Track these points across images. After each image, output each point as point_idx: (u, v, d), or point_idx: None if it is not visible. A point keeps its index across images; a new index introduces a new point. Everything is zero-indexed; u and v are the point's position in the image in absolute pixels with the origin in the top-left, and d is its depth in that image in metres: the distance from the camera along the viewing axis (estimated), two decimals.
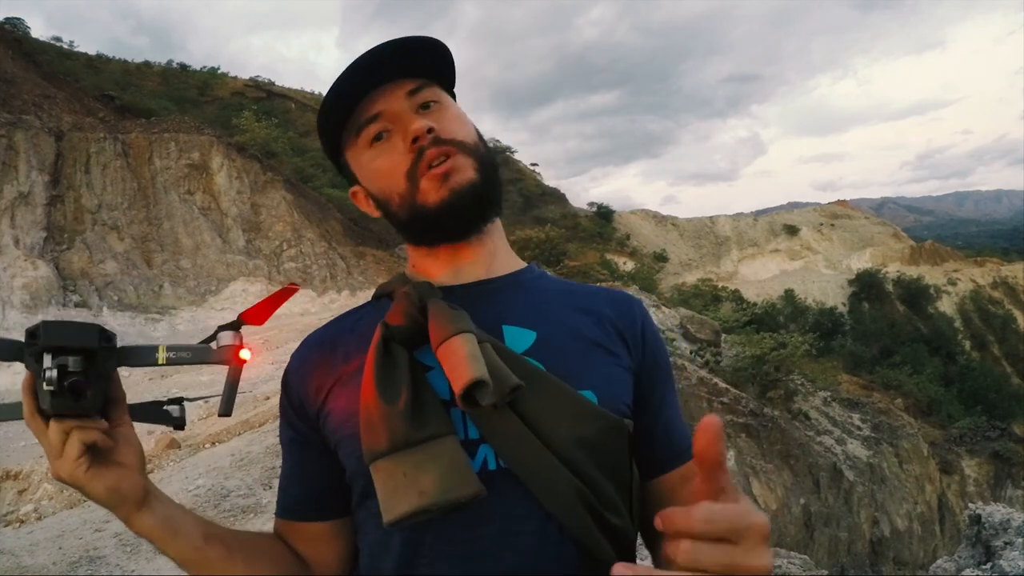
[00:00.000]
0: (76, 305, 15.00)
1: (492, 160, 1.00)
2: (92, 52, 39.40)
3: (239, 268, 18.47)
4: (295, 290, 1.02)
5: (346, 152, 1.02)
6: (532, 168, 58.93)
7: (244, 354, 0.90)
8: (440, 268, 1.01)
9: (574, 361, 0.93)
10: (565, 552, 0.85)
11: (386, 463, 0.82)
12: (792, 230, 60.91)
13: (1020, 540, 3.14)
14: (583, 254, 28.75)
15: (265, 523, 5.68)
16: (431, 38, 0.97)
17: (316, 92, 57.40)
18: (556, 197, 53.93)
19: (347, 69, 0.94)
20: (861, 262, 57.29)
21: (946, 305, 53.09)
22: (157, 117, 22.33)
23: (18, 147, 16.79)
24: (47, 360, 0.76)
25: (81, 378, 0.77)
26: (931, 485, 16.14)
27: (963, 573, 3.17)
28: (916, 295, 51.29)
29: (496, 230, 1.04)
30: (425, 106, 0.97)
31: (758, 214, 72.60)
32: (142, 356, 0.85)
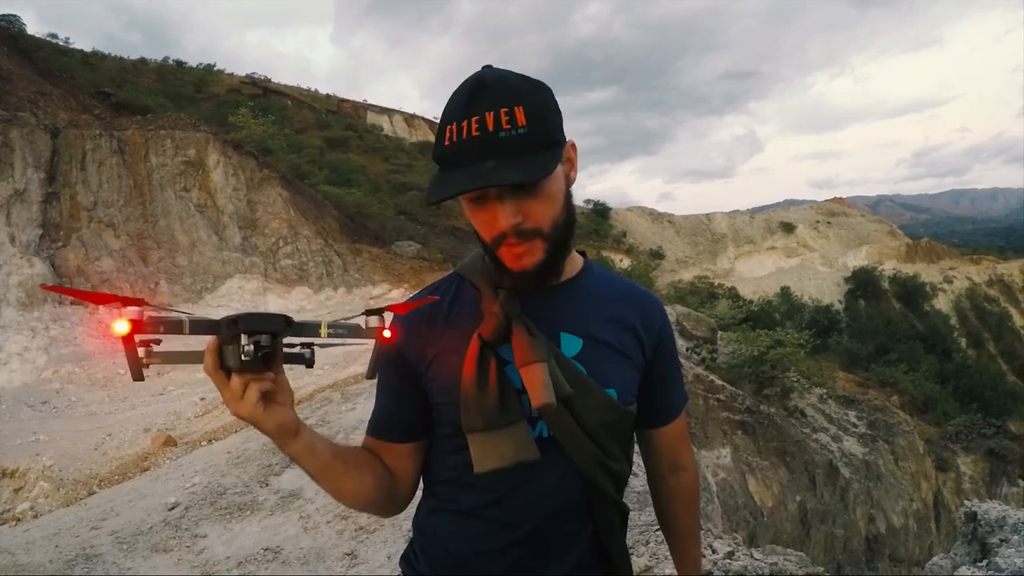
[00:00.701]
0: (72, 303, 14.97)
1: (566, 234, 1.24)
2: (88, 49, 39.31)
3: (235, 265, 18.44)
4: (435, 299, 1.34)
5: None
6: None
7: (386, 333, 1.12)
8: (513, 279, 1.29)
9: (606, 366, 1.31)
10: (576, 484, 1.30)
11: (480, 435, 1.23)
12: (788, 227, 60.95)
13: (1016, 537, 3.15)
14: None
15: (262, 520, 5.69)
16: (550, 117, 1.16)
17: (312, 89, 57.31)
18: None
19: (461, 170, 1.13)
20: (857, 259, 57.40)
21: (942, 303, 53.21)
22: (153, 114, 22.25)
23: (13, 144, 16.73)
24: (244, 339, 1.01)
25: (269, 350, 1.03)
26: (927, 482, 16.18)
27: (959, 570, 3.17)
28: (912, 293, 51.36)
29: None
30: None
31: (755, 211, 72.63)
32: (309, 330, 1.07)
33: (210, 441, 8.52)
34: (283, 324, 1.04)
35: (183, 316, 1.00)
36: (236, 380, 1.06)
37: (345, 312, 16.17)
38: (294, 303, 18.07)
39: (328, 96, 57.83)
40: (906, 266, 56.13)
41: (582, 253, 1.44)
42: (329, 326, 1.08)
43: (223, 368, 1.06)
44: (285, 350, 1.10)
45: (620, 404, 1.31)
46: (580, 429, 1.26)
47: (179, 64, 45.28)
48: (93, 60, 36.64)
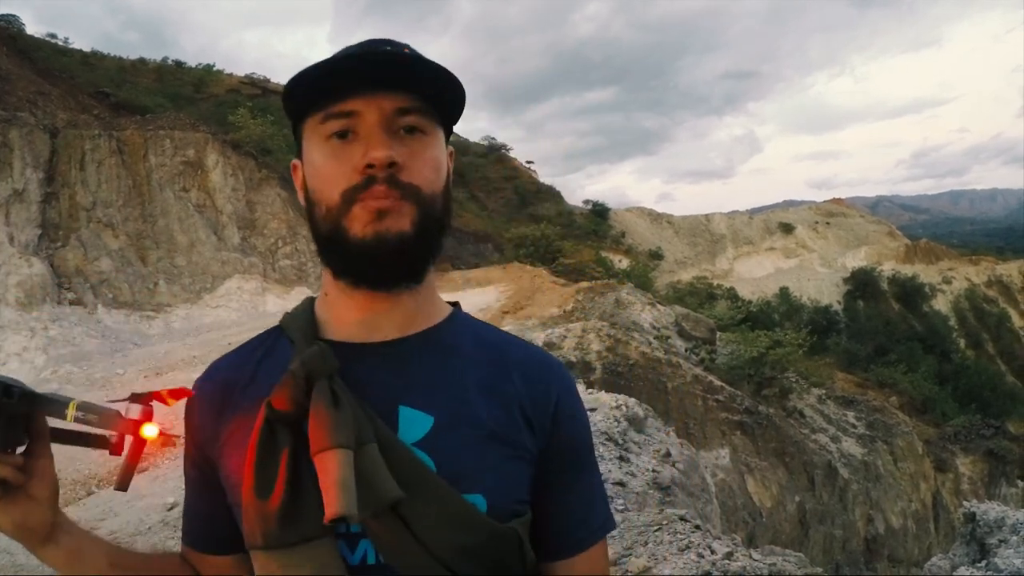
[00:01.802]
0: (71, 303, 14.97)
1: (441, 219, 0.91)
2: (87, 49, 39.30)
3: (234, 265, 18.44)
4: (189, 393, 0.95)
5: (306, 123, 0.91)
6: (527, 165, 58.89)
7: (148, 431, 0.85)
8: (353, 313, 0.94)
9: (468, 458, 0.88)
10: None
11: (262, 555, 0.85)
12: (787, 228, 60.98)
13: (1015, 538, 3.15)
14: (578, 251, 28.69)
15: None
16: (456, 80, 0.88)
17: None
18: (551, 194, 53.78)
19: (355, 52, 0.87)
20: (856, 260, 57.45)
21: (941, 303, 53.30)
22: (152, 114, 22.23)
23: (12, 144, 16.73)
24: None
25: None
26: (926, 483, 16.19)
27: (958, 571, 3.18)
28: (911, 293, 51.46)
29: (424, 285, 0.96)
30: (409, 130, 0.88)
31: (754, 212, 72.72)
32: (52, 408, 0.83)
33: None
34: (1, 392, 0.79)
35: None
36: None
37: None
38: (293, 303, 17.91)
39: None
40: (905, 267, 56.17)
41: (454, 304, 1.04)
42: (79, 407, 0.84)
43: None
44: (69, 425, 0.86)
45: (487, 518, 0.86)
46: (425, 552, 0.83)
47: (178, 64, 45.24)
48: (92, 60, 36.58)
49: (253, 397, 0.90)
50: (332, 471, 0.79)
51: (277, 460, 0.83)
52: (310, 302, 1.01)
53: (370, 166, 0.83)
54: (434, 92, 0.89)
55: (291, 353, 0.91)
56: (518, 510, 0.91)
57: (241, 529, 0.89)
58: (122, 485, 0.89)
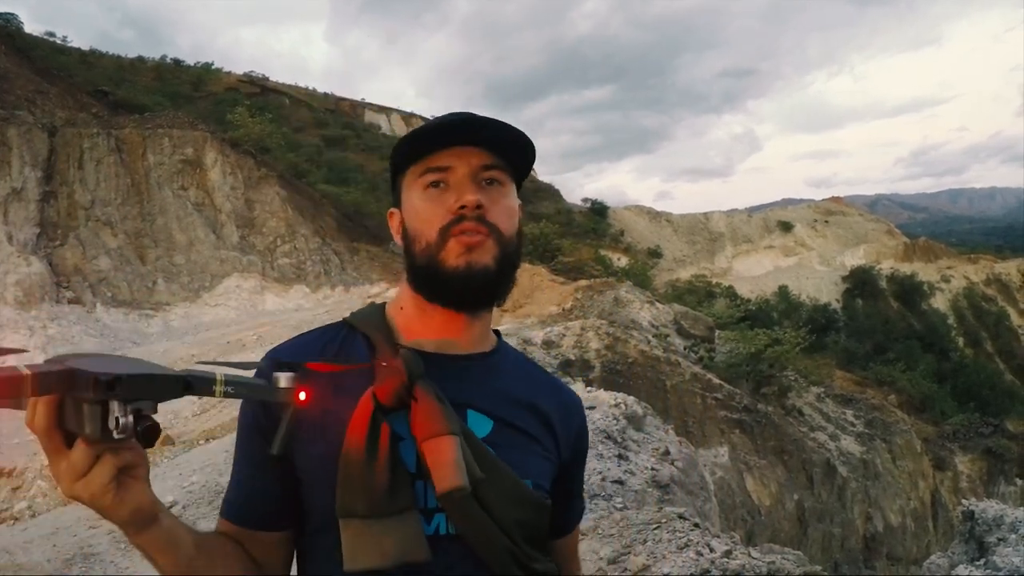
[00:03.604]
0: (70, 301, 14.96)
1: (515, 259, 1.11)
2: (85, 47, 39.26)
3: (233, 264, 18.44)
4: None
5: (405, 175, 1.12)
6: None
7: (302, 396, 0.94)
8: (428, 329, 1.12)
9: (518, 453, 1.10)
10: None
11: (357, 523, 0.97)
12: (786, 227, 60.93)
13: (1013, 536, 3.16)
14: (577, 250, 28.65)
15: None
16: (527, 137, 1.10)
17: (311, 88, 57.30)
18: (550, 193, 53.81)
19: (448, 118, 1.07)
20: (855, 259, 57.41)
21: (940, 302, 53.25)
22: (151, 113, 22.25)
23: (11, 143, 16.73)
24: (117, 407, 0.72)
25: (151, 423, 0.76)
26: (924, 481, 16.20)
27: (956, 569, 3.18)
28: (910, 292, 51.38)
29: (487, 315, 1.18)
30: (489, 182, 1.09)
31: (752, 210, 72.71)
32: (202, 387, 0.83)
33: (208, 440, 8.51)
34: (179, 389, 0.79)
35: (21, 367, 0.71)
36: (82, 451, 0.76)
37: (343, 311, 16.16)
38: (292, 302, 18.06)
39: (326, 95, 57.84)
40: (904, 265, 56.15)
41: (496, 332, 1.24)
42: (226, 383, 0.85)
43: (62, 428, 0.76)
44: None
45: (538, 495, 1.09)
46: (492, 523, 1.01)
47: (177, 63, 45.25)
48: (91, 59, 36.57)
49: (335, 385, 1.01)
50: (447, 452, 0.97)
51: (380, 445, 0.98)
52: (379, 307, 1.19)
53: (462, 207, 1.03)
54: (511, 153, 1.11)
55: (365, 349, 1.10)
56: (546, 494, 1.12)
57: (314, 508, 1.04)
58: (281, 450, 0.97)
